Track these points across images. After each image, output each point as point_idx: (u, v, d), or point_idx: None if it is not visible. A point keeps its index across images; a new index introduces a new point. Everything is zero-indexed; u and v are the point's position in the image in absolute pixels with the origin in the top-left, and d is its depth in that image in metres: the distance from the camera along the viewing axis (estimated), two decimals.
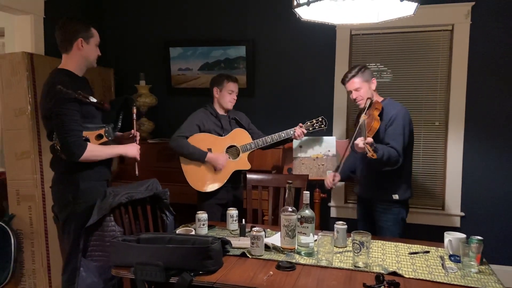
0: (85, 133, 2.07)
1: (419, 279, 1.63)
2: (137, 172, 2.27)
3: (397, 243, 2.06)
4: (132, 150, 2.26)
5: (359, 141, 2.23)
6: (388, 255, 1.90)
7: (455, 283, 1.60)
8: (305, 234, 1.85)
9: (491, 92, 3.18)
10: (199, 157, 2.69)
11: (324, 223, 3.45)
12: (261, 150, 2.91)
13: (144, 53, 3.93)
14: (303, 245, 1.86)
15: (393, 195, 2.43)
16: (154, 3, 3.85)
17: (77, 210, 2.10)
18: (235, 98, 2.85)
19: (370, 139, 2.21)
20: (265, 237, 1.95)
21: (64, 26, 2.12)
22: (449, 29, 3.25)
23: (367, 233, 1.74)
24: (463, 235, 1.88)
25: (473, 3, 3.14)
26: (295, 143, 3.05)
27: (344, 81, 2.56)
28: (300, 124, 2.82)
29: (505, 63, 3.14)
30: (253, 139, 2.84)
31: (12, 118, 2.90)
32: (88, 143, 2.06)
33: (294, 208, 1.89)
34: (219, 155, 2.71)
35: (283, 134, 2.80)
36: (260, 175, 2.72)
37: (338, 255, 1.88)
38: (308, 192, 1.93)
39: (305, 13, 1.96)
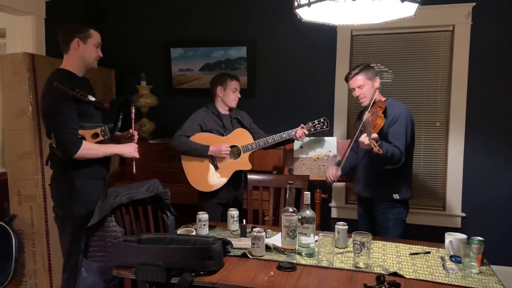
0: (81, 132, 2.08)
1: (420, 280, 1.63)
2: (134, 170, 2.27)
3: (398, 244, 2.06)
4: (129, 149, 2.26)
5: (364, 138, 2.22)
6: (389, 255, 1.90)
7: (456, 283, 1.60)
8: (306, 234, 1.85)
9: (492, 92, 3.18)
10: (202, 151, 2.69)
11: (325, 224, 3.45)
12: (262, 150, 2.91)
13: (145, 54, 3.94)
14: (304, 245, 1.86)
15: (394, 195, 2.43)
16: (155, 4, 3.86)
17: (73, 207, 2.11)
18: (239, 96, 2.86)
19: (375, 135, 2.20)
20: (266, 237, 1.96)
21: (64, 27, 2.16)
22: (450, 30, 3.25)
23: (368, 233, 1.74)
24: (464, 236, 1.88)
25: (474, 3, 3.14)
26: (296, 143, 3.04)
27: (347, 78, 2.56)
28: (302, 125, 2.81)
29: (506, 64, 3.14)
30: (254, 138, 2.84)
31: (14, 118, 2.90)
32: (83, 141, 2.07)
33: (295, 209, 1.89)
34: (220, 144, 2.71)
35: (284, 135, 2.79)
36: (261, 176, 2.72)
37: (339, 255, 1.88)
38: (309, 192, 1.93)
39: (306, 14, 1.96)
